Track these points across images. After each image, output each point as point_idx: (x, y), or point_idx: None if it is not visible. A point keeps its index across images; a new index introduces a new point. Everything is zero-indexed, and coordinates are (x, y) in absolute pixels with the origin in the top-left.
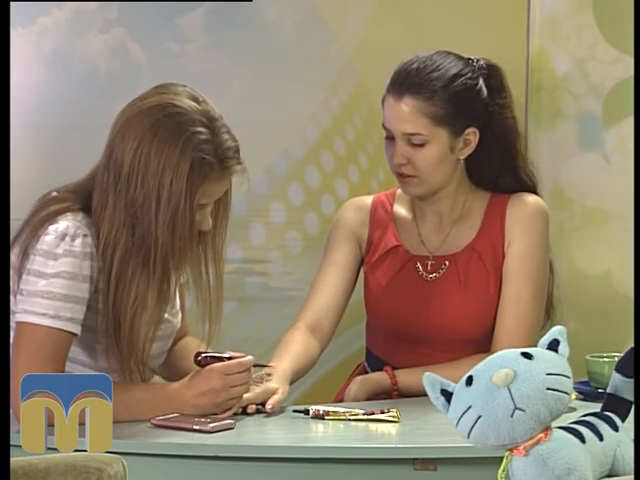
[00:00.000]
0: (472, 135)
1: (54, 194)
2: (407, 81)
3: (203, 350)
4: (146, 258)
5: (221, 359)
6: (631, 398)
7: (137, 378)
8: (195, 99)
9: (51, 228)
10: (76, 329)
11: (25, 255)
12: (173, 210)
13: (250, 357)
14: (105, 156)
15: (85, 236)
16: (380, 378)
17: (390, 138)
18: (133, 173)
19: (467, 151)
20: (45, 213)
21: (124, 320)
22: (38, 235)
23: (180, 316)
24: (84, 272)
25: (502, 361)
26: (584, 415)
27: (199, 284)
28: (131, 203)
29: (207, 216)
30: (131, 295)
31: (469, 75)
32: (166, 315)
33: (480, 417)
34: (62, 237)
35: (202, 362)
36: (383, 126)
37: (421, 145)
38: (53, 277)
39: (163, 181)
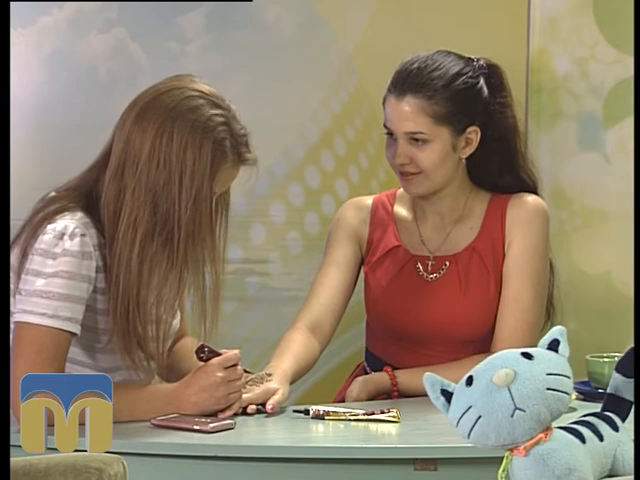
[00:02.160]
0: (474, 134)
1: (53, 194)
2: (408, 81)
3: (206, 344)
4: (168, 237)
5: (219, 354)
6: (631, 398)
7: (146, 363)
8: (210, 86)
9: (49, 227)
10: (75, 329)
11: (24, 256)
12: (197, 189)
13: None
14: (119, 144)
15: (83, 235)
16: (380, 378)
17: (391, 138)
18: (154, 154)
19: (469, 150)
20: (44, 213)
21: (145, 300)
22: (36, 235)
23: (179, 317)
24: (83, 271)
25: (502, 361)
26: (584, 415)
27: (197, 283)
28: (153, 183)
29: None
30: (154, 274)
31: (470, 74)
32: (164, 316)
33: (480, 417)
34: (60, 236)
35: (205, 357)
36: (384, 126)
37: (423, 144)
38: (52, 277)
39: (186, 160)
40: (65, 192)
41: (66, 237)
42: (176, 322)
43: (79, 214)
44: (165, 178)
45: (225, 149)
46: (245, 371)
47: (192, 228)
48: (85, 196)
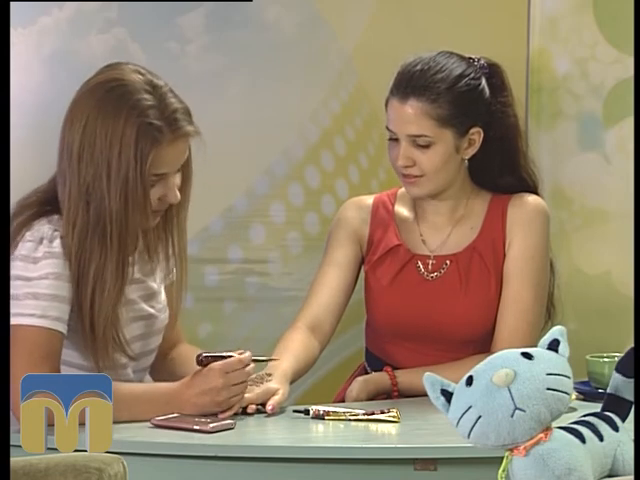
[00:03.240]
0: (476, 135)
1: (33, 199)
2: (411, 83)
3: (204, 351)
4: (103, 233)
5: (222, 358)
6: (631, 398)
7: (106, 363)
8: (138, 72)
9: (27, 234)
10: (63, 328)
11: None
12: (123, 179)
13: (248, 353)
14: (60, 145)
15: (62, 237)
16: (380, 378)
17: (394, 140)
18: (83, 152)
19: (472, 151)
20: (22, 219)
21: (84, 299)
22: (16, 242)
23: (167, 313)
24: (66, 272)
25: (502, 361)
26: (584, 415)
27: (165, 252)
28: (84, 180)
29: (172, 188)
30: (90, 271)
31: (472, 75)
32: (151, 310)
33: (480, 417)
34: (40, 241)
35: (203, 362)
36: (387, 128)
37: (426, 146)
38: (38, 279)
39: (112, 153)
40: (40, 194)
41: (45, 241)
42: (163, 317)
43: (55, 217)
44: (94, 174)
45: (152, 132)
46: (255, 360)
47: (124, 219)
48: (55, 198)
